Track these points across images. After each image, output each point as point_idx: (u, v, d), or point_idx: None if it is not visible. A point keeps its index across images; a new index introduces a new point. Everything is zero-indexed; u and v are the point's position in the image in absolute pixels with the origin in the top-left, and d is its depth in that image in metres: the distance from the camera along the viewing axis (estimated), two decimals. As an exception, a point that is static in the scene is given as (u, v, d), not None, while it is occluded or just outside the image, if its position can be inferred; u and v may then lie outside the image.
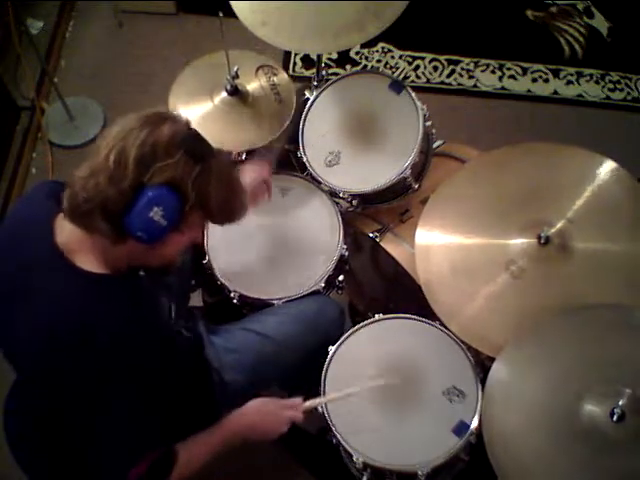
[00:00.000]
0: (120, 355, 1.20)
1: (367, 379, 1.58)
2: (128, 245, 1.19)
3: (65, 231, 1.23)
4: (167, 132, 1.16)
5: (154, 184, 1.14)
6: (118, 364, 1.20)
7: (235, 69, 1.89)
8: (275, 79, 2.01)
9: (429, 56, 2.87)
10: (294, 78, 2.08)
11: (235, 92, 1.95)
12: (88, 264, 1.21)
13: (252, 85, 1.99)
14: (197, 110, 1.95)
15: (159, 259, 1.28)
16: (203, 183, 1.18)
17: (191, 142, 1.18)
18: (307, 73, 2.80)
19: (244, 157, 1.96)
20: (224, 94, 1.95)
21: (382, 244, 1.84)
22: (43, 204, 1.30)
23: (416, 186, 1.85)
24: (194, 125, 1.23)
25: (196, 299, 2.02)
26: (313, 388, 1.60)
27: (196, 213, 1.22)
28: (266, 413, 1.46)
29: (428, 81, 2.81)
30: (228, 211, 1.28)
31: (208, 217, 1.27)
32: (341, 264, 1.83)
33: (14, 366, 1.33)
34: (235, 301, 1.77)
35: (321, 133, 1.88)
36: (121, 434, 1.24)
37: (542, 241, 1.52)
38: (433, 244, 1.65)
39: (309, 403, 1.51)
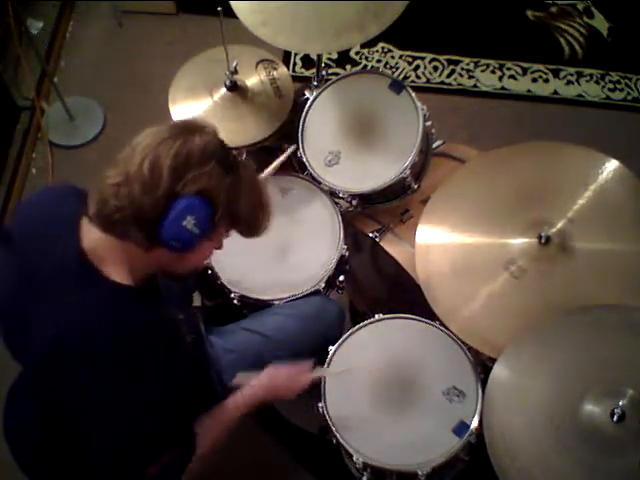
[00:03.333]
0: (150, 361, 1.21)
1: (367, 386, 1.61)
2: (158, 252, 1.21)
3: (92, 236, 1.22)
4: (199, 142, 1.18)
5: (187, 193, 1.15)
6: (147, 370, 1.21)
7: (234, 64, 1.89)
8: (275, 73, 2.01)
9: (429, 56, 2.87)
10: (294, 78, 2.08)
11: (234, 88, 1.95)
12: (115, 274, 1.21)
13: (251, 80, 2.00)
14: (196, 107, 1.95)
15: (185, 266, 1.30)
16: (234, 193, 1.21)
17: (222, 153, 1.21)
18: (307, 73, 2.80)
19: (244, 156, 1.97)
20: (223, 90, 1.95)
21: (382, 244, 1.84)
22: (64, 204, 1.30)
23: (416, 186, 1.85)
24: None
25: (195, 299, 2.02)
26: (313, 388, 1.60)
27: (225, 222, 1.24)
28: (277, 387, 1.51)
29: (428, 81, 2.81)
30: (255, 221, 1.31)
31: (235, 226, 1.29)
32: (341, 264, 1.83)
33: (24, 366, 1.33)
34: (235, 302, 1.76)
35: (321, 133, 1.88)
36: (140, 434, 1.23)
37: (543, 241, 1.52)
38: (433, 244, 1.65)
39: (316, 372, 1.57)
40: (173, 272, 1.30)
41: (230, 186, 1.20)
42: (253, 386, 1.49)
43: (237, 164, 1.24)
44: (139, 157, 1.16)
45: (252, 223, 1.31)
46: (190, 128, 1.20)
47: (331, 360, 1.64)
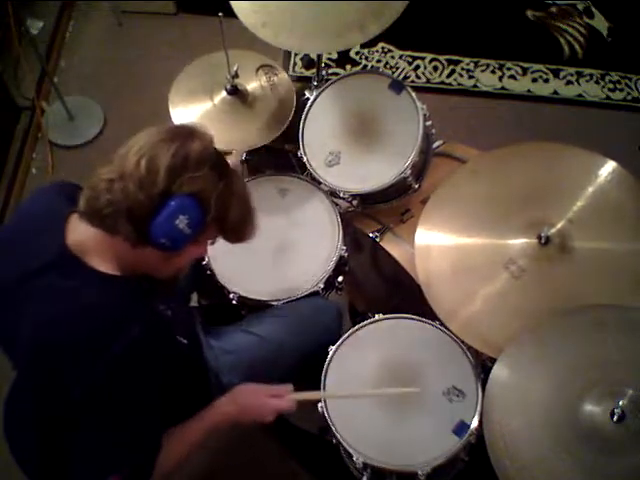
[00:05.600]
0: (133, 358, 1.20)
1: (367, 386, 1.60)
2: (146, 251, 1.21)
3: (79, 231, 1.23)
4: (197, 146, 1.19)
5: (181, 193, 1.17)
6: (130, 367, 1.20)
7: (235, 68, 1.89)
8: (275, 79, 2.01)
9: (429, 56, 2.87)
10: (294, 78, 2.08)
11: (235, 92, 1.95)
12: (101, 265, 1.22)
13: (252, 85, 2.00)
14: (197, 110, 1.95)
15: (170, 269, 1.30)
16: (225, 198, 1.23)
17: (217, 159, 1.23)
18: (307, 73, 2.80)
19: (244, 157, 1.97)
20: (224, 94, 1.95)
21: (382, 244, 1.84)
22: (55, 203, 1.31)
23: (416, 186, 1.85)
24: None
25: (192, 300, 2.02)
26: (313, 389, 1.59)
27: (214, 227, 1.26)
28: (250, 404, 1.46)
29: (428, 81, 2.81)
30: (242, 228, 1.33)
31: (222, 232, 1.30)
32: (340, 265, 1.83)
33: (14, 363, 1.33)
34: (234, 302, 1.76)
35: (321, 133, 1.88)
36: (103, 444, 1.24)
37: (542, 241, 1.52)
38: (433, 244, 1.65)
39: (297, 395, 1.49)
40: (156, 275, 1.30)
41: (222, 192, 1.22)
42: (221, 404, 1.45)
43: (230, 172, 1.26)
44: (136, 156, 1.17)
45: (239, 230, 1.32)
46: (188, 132, 1.22)
47: (331, 361, 1.64)
